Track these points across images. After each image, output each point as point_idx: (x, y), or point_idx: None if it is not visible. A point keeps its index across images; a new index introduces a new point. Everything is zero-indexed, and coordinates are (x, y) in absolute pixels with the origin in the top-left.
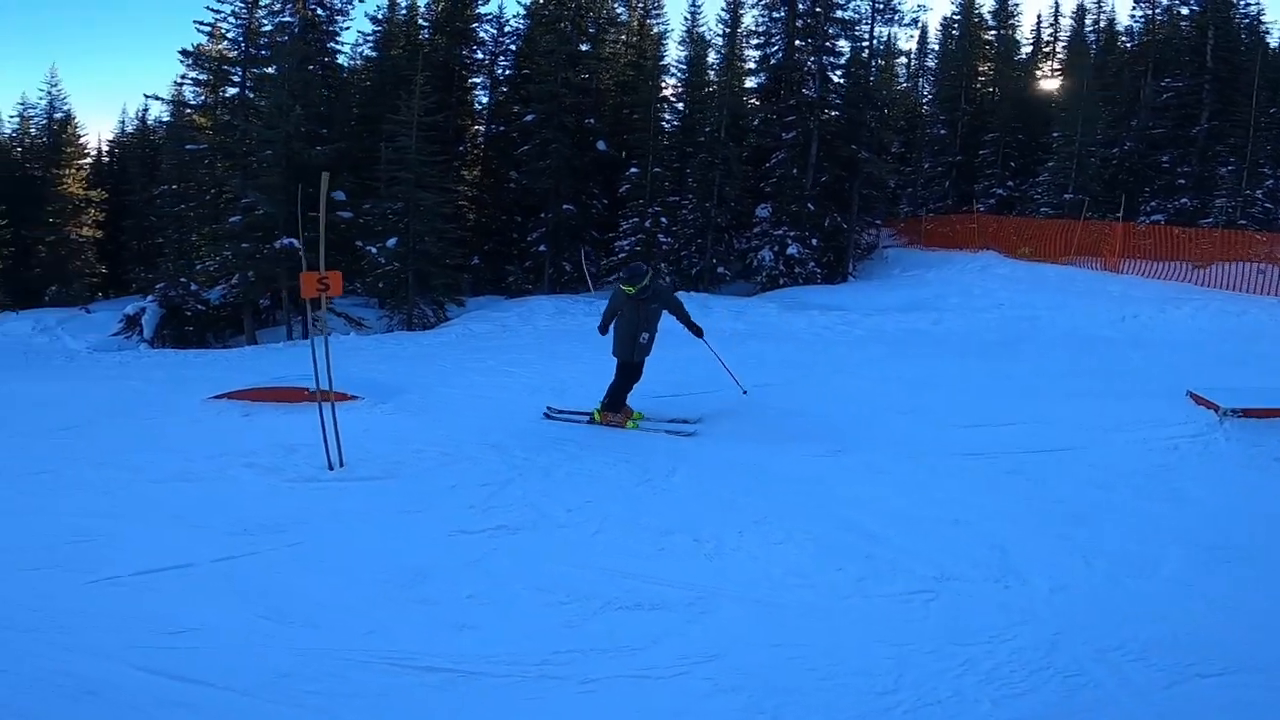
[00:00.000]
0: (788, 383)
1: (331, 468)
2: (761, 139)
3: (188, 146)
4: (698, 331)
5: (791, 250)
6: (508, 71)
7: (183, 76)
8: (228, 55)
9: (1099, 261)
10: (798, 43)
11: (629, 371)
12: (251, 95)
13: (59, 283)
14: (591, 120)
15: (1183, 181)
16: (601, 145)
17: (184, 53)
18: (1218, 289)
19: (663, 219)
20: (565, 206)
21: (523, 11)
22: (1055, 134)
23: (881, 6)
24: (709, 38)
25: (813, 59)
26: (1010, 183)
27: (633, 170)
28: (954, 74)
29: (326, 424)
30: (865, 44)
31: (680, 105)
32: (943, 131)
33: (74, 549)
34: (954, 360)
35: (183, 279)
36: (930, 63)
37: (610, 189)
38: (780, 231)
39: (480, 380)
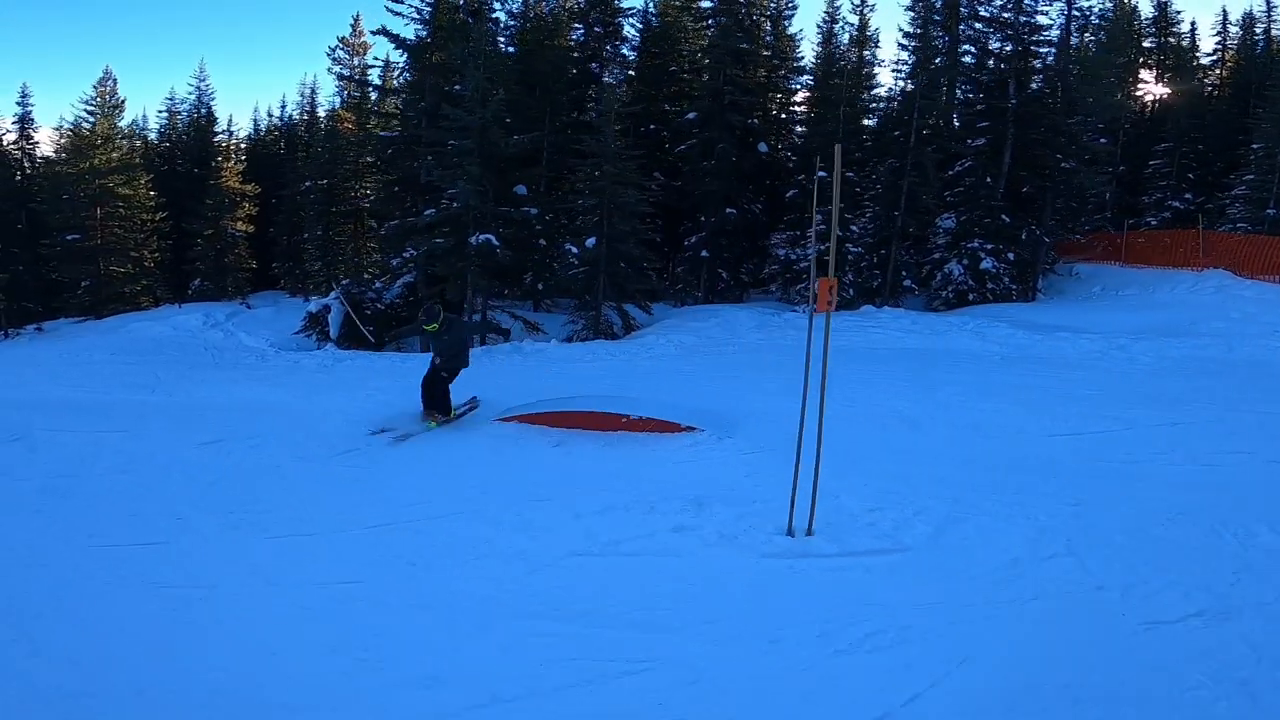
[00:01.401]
0: (1203, 424)
1: (792, 533)
2: (945, 144)
3: (381, 134)
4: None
5: (986, 264)
6: (645, 69)
7: (377, 59)
8: (420, 38)
9: None
10: (964, 46)
11: (435, 381)
12: (424, 80)
13: (214, 277)
14: (754, 120)
15: None
16: (763, 147)
17: (379, 33)
18: None
19: (852, 227)
20: (728, 210)
21: (654, 8)
22: (1255, 145)
23: (1079, 12)
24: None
25: (1004, 64)
26: (1187, 195)
27: (820, 174)
28: (1112, 81)
29: (802, 476)
30: (1056, 48)
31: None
32: (1103, 140)
33: (614, 690)
34: None
35: (367, 275)
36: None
37: (767, 193)
38: (974, 244)
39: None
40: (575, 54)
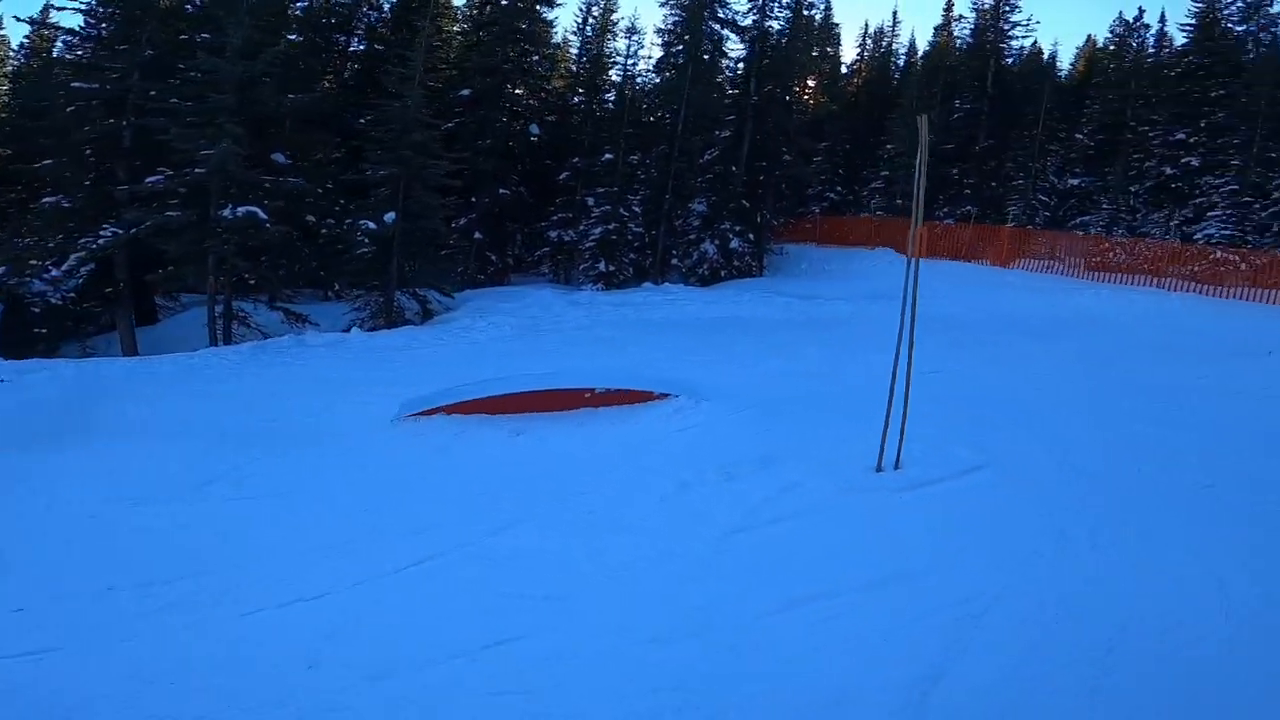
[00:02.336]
0: (1010, 360)
1: (882, 469)
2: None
3: (74, 84)
4: None
5: (734, 244)
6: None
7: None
8: None
9: (982, 260)
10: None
11: None
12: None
13: None
14: (533, 101)
15: (968, 191)
16: (534, 128)
17: None
18: (1109, 283)
19: (635, 208)
20: (501, 191)
21: None
22: (889, 146)
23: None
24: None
25: (744, 63)
26: (839, 188)
27: (606, 156)
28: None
29: (893, 418)
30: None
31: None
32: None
33: (993, 631)
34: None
35: (34, 261)
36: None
37: (537, 175)
38: (725, 225)
39: (708, 370)
40: (321, 20)
